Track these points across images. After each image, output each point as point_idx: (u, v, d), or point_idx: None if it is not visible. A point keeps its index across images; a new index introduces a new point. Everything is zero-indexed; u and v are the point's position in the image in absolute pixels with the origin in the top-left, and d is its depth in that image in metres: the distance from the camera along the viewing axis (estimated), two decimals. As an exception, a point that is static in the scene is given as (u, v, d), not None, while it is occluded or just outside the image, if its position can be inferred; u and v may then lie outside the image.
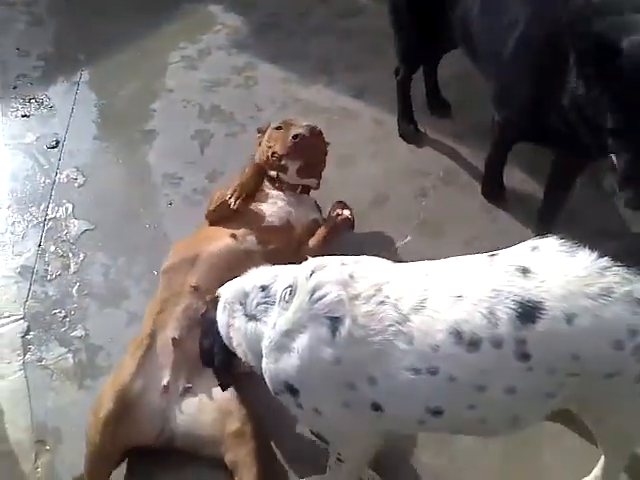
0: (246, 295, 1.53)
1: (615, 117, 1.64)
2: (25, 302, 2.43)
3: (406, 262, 1.52)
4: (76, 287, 2.47)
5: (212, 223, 2.23)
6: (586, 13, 1.67)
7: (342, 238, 2.31)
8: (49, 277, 2.51)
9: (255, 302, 1.50)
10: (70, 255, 2.58)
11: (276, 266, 1.61)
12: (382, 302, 1.36)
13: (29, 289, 2.47)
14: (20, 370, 2.23)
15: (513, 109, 2.12)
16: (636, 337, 1.23)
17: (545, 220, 2.34)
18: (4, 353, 2.28)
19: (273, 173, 2.32)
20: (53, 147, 3.07)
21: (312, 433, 1.57)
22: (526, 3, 1.95)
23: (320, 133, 2.40)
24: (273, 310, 1.46)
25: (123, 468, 1.92)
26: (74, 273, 2.52)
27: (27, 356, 2.26)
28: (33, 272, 2.53)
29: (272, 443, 1.95)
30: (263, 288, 1.51)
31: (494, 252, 1.41)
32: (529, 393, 1.32)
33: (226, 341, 1.58)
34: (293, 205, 2.28)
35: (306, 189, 2.39)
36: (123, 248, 2.59)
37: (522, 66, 1.98)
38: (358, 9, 3.63)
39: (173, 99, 3.25)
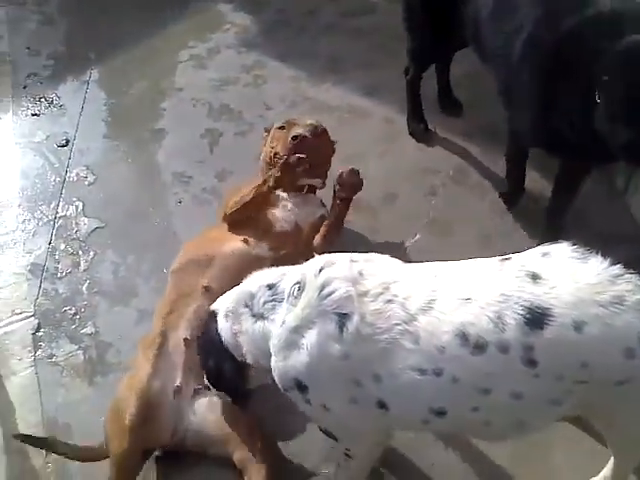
0: (252, 296, 1.53)
1: None
2: (36, 299, 2.45)
3: (415, 260, 1.52)
4: (86, 285, 2.48)
5: (231, 226, 2.17)
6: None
7: (352, 235, 2.29)
8: (59, 275, 2.53)
9: (262, 300, 1.50)
10: (80, 253, 2.60)
11: (280, 267, 1.60)
12: (390, 300, 1.36)
13: (39, 287, 2.49)
14: (31, 367, 2.24)
15: (518, 110, 2.11)
16: None
17: (553, 220, 2.32)
18: (15, 350, 2.30)
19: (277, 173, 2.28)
20: (63, 146, 3.09)
21: (321, 430, 1.57)
22: (533, 6, 1.95)
23: (324, 132, 2.36)
24: (281, 307, 1.46)
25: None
26: (84, 271, 2.53)
27: (38, 353, 2.28)
28: (43, 270, 2.55)
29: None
30: (270, 287, 1.51)
31: (505, 256, 1.40)
32: (535, 399, 1.31)
33: (234, 351, 1.57)
34: (300, 206, 2.25)
35: (312, 189, 2.35)
36: (132, 246, 2.60)
37: (527, 69, 1.97)
38: (369, 7, 3.61)
39: (182, 98, 3.26)
